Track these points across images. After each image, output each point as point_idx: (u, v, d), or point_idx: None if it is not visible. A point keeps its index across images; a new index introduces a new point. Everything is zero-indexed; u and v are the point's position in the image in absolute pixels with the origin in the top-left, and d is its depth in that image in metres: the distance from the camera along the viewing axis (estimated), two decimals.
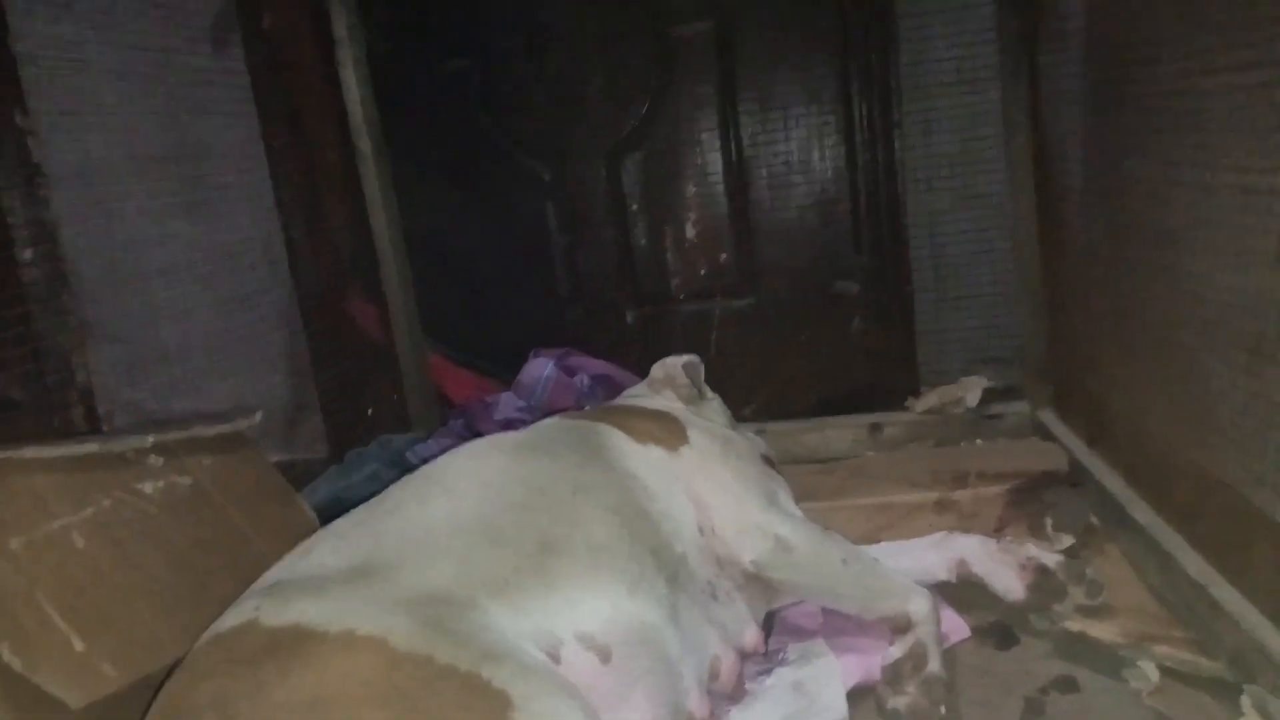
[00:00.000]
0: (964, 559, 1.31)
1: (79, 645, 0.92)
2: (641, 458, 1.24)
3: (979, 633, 1.26)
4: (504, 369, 2.10)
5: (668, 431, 1.30)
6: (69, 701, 0.87)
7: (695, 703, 1.05)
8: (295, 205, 2.05)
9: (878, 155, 2.10)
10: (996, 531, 1.44)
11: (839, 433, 2.01)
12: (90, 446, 1.15)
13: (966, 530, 1.40)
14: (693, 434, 1.31)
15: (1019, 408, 1.94)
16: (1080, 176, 1.61)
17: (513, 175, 2.28)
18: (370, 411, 2.06)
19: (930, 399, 1.98)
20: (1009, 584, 1.27)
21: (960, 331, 2.11)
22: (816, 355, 2.20)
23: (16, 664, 0.87)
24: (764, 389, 2.17)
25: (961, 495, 1.55)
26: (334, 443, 2.10)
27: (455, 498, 1.08)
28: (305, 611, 0.86)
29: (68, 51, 1.54)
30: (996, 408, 1.96)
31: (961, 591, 1.30)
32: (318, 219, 2.12)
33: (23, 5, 1.44)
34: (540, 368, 1.94)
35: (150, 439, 1.23)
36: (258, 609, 0.88)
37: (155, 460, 1.22)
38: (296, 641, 0.83)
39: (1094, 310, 1.60)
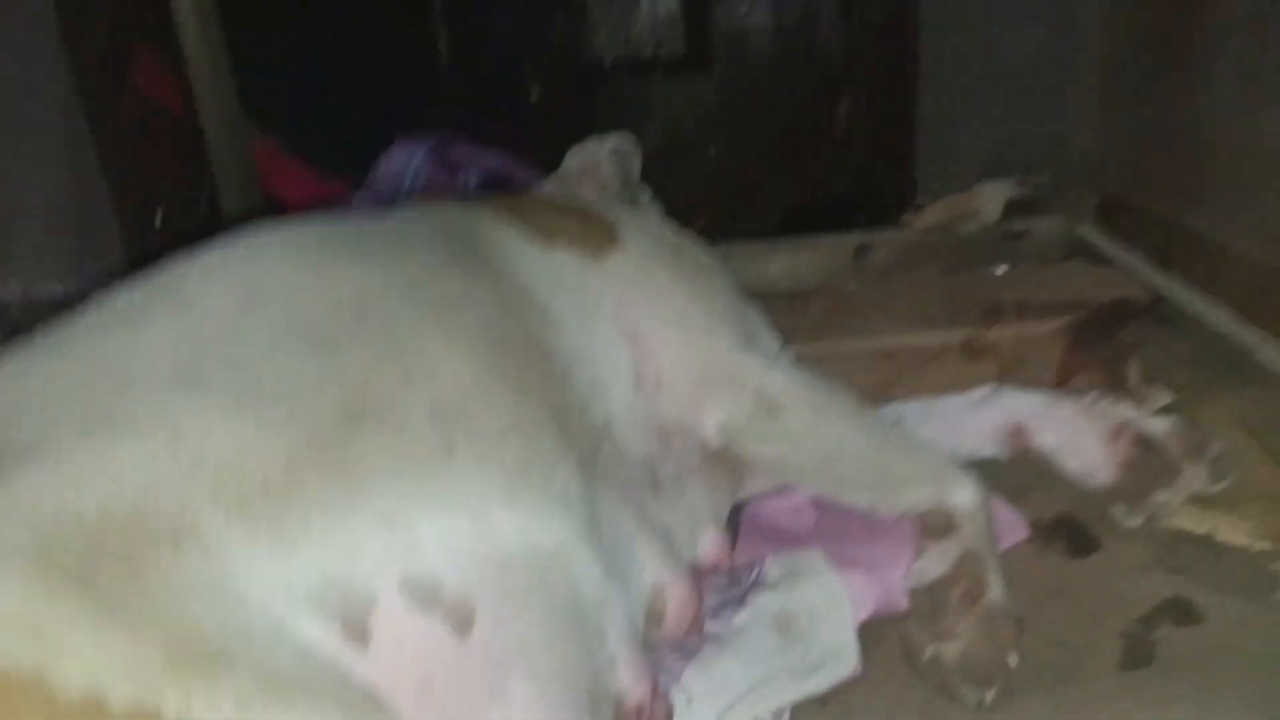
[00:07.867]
0: (1022, 425, 1.00)
1: None
2: (545, 265, 0.84)
3: (1039, 533, 0.95)
4: (357, 164, 1.62)
5: (587, 229, 0.92)
6: None
7: (628, 674, 0.65)
8: None
9: None
10: (1059, 384, 1.12)
11: (814, 256, 1.64)
12: None
13: (1015, 384, 1.08)
14: (626, 234, 0.94)
15: (1050, 224, 1.62)
16: None
17: None
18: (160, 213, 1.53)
19: (934, 212, 1.65)
20: (1092, 461, 0.96)
21: (976, 122, 1.72)
22: (786, 153, 1.85)
23: None
24: (715, 199, 1.81)
25: (999, 334, 1.22)
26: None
27: (194, 319, 0.61)
28: None
29: None
30: (1020, 224, 1.62)
31: (1011, 474, 1.00)
32: None
33: None
34: (406, 156, 1.45)
35: None
36: None
37: None
38: None
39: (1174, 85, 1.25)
